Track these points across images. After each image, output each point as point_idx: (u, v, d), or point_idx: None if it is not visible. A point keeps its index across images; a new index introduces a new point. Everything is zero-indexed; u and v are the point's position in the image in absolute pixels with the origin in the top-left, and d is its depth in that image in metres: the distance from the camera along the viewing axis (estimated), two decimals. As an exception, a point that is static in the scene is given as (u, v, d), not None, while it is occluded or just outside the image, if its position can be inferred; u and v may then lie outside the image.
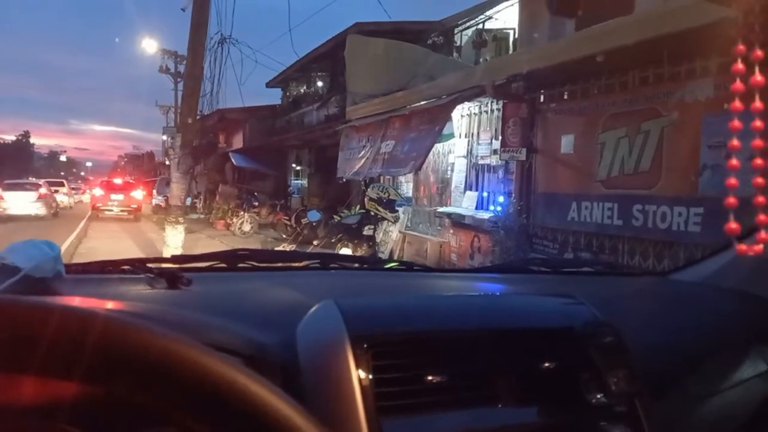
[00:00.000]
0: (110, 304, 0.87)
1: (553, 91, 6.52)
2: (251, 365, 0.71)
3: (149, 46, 24.63)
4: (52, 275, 0.95)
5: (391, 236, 9.84)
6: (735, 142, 1.08)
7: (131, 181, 26.33)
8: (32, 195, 17.97)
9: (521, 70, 6.32)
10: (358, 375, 0.75)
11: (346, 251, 7.54)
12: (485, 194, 8.01)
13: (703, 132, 4.57)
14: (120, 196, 20.85)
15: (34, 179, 24.20)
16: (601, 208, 5.66)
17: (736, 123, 0.88)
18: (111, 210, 20.29)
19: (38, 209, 17.66)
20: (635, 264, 5.30)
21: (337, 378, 0.74)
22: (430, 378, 0.80)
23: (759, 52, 0.74)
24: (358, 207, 9.24)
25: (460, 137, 8.62)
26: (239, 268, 1.36)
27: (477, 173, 8.28)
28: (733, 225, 1.40)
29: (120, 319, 0.44)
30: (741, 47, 0.74)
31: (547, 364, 0.86)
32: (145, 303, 0.95)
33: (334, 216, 9.57)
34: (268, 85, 20.57)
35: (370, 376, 0.75)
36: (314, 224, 11.24)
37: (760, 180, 1.13)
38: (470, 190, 8.36)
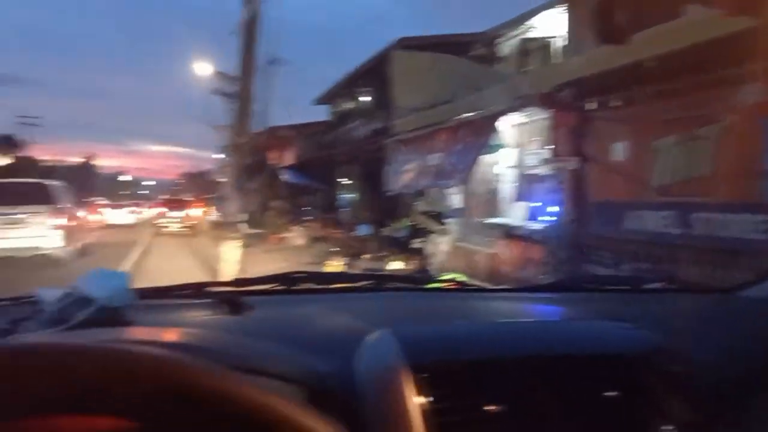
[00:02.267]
0: (178, 335, 0.93)
1: (604, 99, 6.39)
2: (312, 395, 0.76)
3: (203, 69, 25.52)
4: (124, 305, 1.01)
5: (440, 248, 9.82)
6: None
7: (189, 198, 27.30)
8: (125, 211, 30.01)
9: (570, 78, 6.24)
10: (418, 405, 0.74)
11: (396, 264, 7.59)
12: (535, 204, 7.90)
13: (763, 135, 4.39)
14: (179, 213, 21.67)
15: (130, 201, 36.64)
16: (657, 216, 5.49)
17: None
18: (171, 227, 21.10)
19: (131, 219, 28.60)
20: (697, 274, 5.10)
21: (398, 408, 0.74)
22: (489, 407, 0.78)
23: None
24: (406, 220, 9.29)
25: (508, 147, 8.55)
26: (296, 290, 1.38)
27: (526, 183, 8.18)
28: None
29: (189, 364, 0.47)
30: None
31: (608, 393, 0.83)
32: (210, 331, 0.99)
33: (383, 229, 9.65)
34: (316, 102, 20.98)
35: (431, 406, 0.75)
36: (364, 238, 11.36)
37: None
38: (520, 200, 8.27)
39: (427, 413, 0.74)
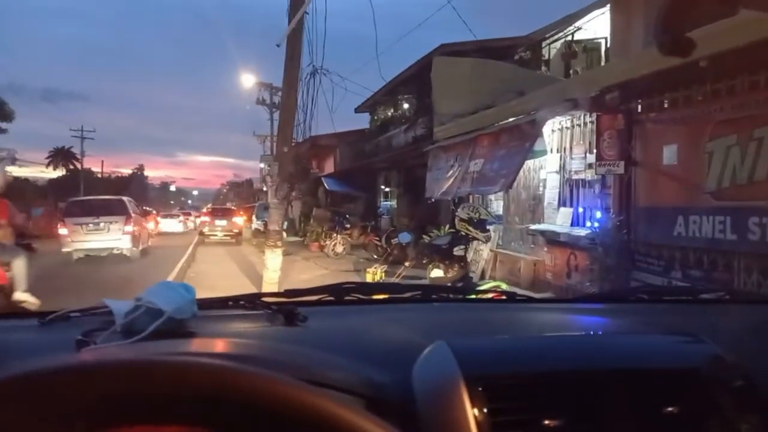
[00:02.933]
0: (240, 346, 0.96)
1: (652, 100, 6.20)
2: (372, 406, 0.77)
3: (247, 80, 26.25)
4: (189, 316, 1.07)
5: (482, 255, 9.69)
6: None
7: (233, 207, 27.98)
8: (175, 220, 32.50)
9: (616, 81, 6.09)
10: (475, 417, 0.75)
11: (437, 272, 7.53)
12: (580, 210, 7.71)
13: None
14: (223, 222, 22.25)
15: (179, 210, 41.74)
16: (711, 221, 5.26)
17: None
18: (215, 235, 21.68)
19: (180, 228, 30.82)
20: (754, 282, 4.86)
21: (455, 420, 0.75)
22: (546, 422, 0.78)
23: None
24: (447, 227, 9.23)
25: (552, 152, 8.39)
26: (346, 300, 1.42)
27: (571, 188, 8.00)
28: None
29: (253, 373, 0.49)
30: None
31: (669, 409, 0.81)
32: (268, 341, 1.03)
33: (424, 236, 9.61)
34: (357, 110, 21.20)
35: (487, 419, 0.75)
36: (404, 245, 11.34)
37: None
38: (564, 206, 8.09)
39: (483, 426, 0.75)
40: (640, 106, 6.38)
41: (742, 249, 4.97)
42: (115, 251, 13.94)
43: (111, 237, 13.85)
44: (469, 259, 9.08)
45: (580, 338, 1.05)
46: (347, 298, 1.44)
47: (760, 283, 4.80)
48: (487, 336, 1.09)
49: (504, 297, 1.60)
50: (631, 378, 0.86)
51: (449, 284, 6.56)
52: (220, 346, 0.98)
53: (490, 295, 1.61)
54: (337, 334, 1.13)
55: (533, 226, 8.59)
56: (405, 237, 10.89)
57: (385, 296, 1.50)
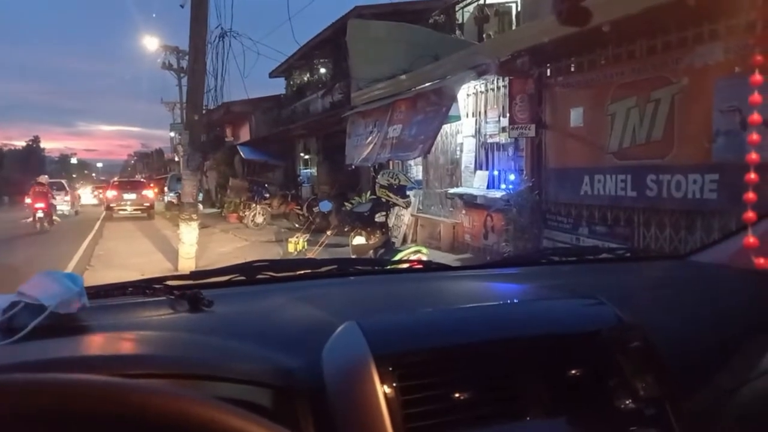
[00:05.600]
0: (135, 340, 0.88)
1: (560, 65, 6.42)
2: (280, 395, 0.75)
3: (150, 43, 24.62)
4: (76, 310, 0.95)
5: (403, 220, 9.82)
6: (756, 116, 1.06)
7: (142, 179, 26.52)
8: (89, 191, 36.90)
9: (526, 45, 6.23)
10: (385, 396, 0.74)
11: (359, 239, 7.54)
12: (496, 173, 7.96)
13: (714, 97, 4.48)
14: (133, 195, 21.04)
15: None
16: (614, 180, 5.60)
17: (757, 96, 0.85)
18: (125, 210, 20.50)
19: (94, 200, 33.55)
20: (651, 236, 5.25)
21: (365, 401, 0.74)
22: (457, 395, 0.79)
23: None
24: (368, 194, 9.23)
25: (467, 117, 8.54)
26: (258, 280, 1.36)
27: (486, 152, 8.22)
28: (751, 195, 1.37)
29: (149, 390, 0.48)
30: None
31: (573, 372, 0.85)
32: (169, 332, 0.95)
33: (346, 203, 9.57)
34: (271, 75, 20.50)
35: (397, 397, 0.75)
36: (326, 213, 11.25)
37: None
38: (480, 169, 8.31)
39: (394, 404, 0.74)
40: (549, 71, 6.59)
41: (641, 205, 5.34)
42: (61, 213, 20.42)
43: (59, 204, 20.60)
44: (390, 225, 9.17)
45: (488, 308, 1.05)
46: (259, 277, 1.37)
47: (657, 237, 5.19)
48: (400, 311, 1.08)
49: (421, 266, 1.59)
50: (537, 345, 0.89)
51: (371, 253, 6.60)
52: (110, 342, 0.89)
53: (407, 266, 1.60)
54: (246, 319, 1.07)
55: (451, 190, 8.78)
56: (326, 205, 10.79)
57: (300, 273, 1.44)
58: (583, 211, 6.11)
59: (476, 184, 8.25)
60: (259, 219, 15.07)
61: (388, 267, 1.68)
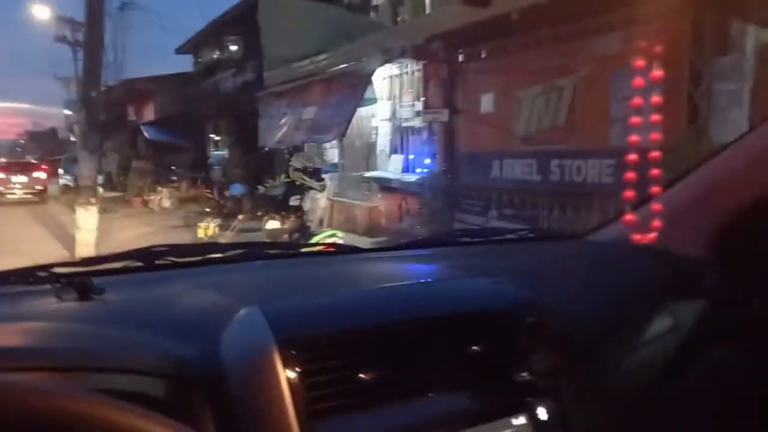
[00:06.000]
0: (16, 332, 0.80)
1: (472, 51, 6.56)
2: (174, 385, 0.71)
3: (41, 12, 22.49)
4: None
5: (319, 204, 9.71)
6: (637, 99, 1.13)
7: (34, 161, 24.37)
8: None
9: (439, 31, 6.29)
10: (288, 381, 0.73)
11: (273, 224, 7.39)
12: (411, 157, 8.05)
13: (611, 86, 4.76)
14: (23, 178, 19.28)
15: None
16: (521, 165, 5.84)
17: (639, 80, 0.90)
18: (13, 194, 18.76)
19: None
20: (554, 217, 5.53)
21: (266, 387, 0.72)
22: (362, 376, 0.79)
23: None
24: (283, 177, 9.04)
25: (382, 100, 8.55)
26: (157, 266, 1.26)
27: (402, 136, 8.28)
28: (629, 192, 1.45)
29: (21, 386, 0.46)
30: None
31: (475, 348, 0.88)
32: (53, 322, 0.87)
33: (259, 187, 9.32)
34: (178, 51, 19.44)
35: (301, 381, 0.74)
36: (238, 197, 10.91)
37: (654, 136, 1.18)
38: (396, 153, 8.37)
39: (297, 388, 0.73)
40: (461, 56, 6.72)
41: (545, 188, 5.61)
42: None
43: None
44: (306, 209, 9.05)
45: (392, 289, 1.05)
46: (158, 263, 1.26)
47: (560, 218, 5.48)
48: (307, 294, 1.04)
49: (333, 249, 1.55)
50: (440, 324, 0.90)
51: (285, 237, 6.48)
52: None
53: (318, 248, 1.55)
54: (139, 306, 0.99)
55: (367, 174, 8.78)
56: (237, 189, 10.47)
57: (204, 258, 1.35)
58: (492, 195, 6.33)
59: (392, 167, 8.31)
60: (166, 203, 14.36)
61: (299, 250, 1.62)
